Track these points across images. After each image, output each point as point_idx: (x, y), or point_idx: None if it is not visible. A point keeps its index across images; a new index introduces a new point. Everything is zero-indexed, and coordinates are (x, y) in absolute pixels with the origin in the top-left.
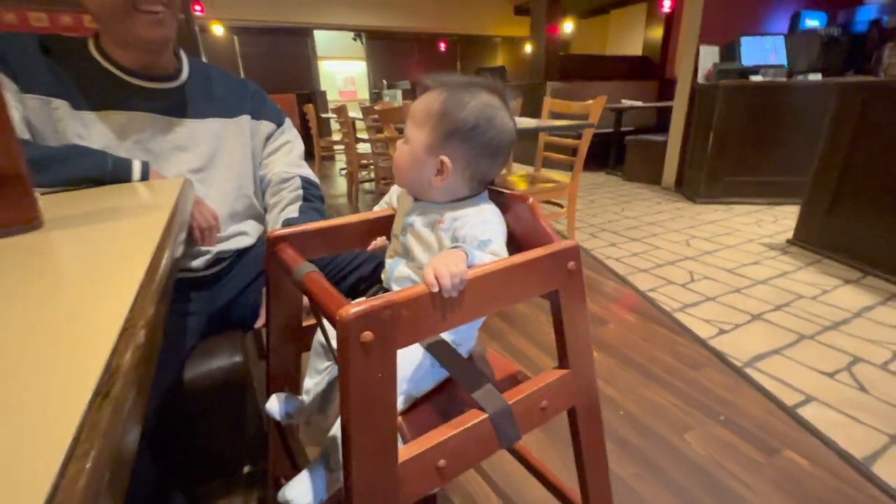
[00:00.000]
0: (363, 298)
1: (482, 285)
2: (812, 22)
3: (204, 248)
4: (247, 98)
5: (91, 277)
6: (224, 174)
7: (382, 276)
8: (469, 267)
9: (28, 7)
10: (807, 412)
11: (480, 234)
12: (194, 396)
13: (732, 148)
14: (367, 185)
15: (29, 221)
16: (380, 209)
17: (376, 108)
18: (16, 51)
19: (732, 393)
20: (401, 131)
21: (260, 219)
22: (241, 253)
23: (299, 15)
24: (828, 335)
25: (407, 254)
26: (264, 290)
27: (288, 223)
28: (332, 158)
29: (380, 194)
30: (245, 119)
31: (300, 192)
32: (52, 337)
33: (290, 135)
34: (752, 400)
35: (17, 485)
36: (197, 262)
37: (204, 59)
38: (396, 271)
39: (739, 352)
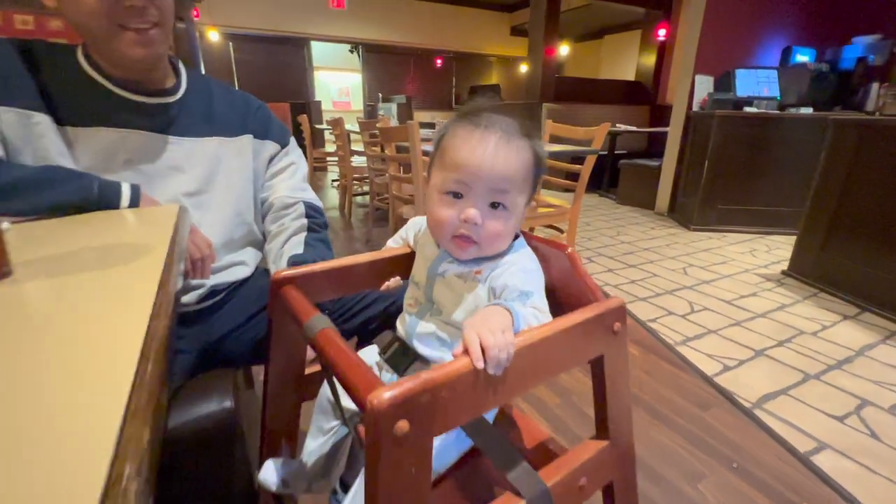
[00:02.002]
0: (375, 347)
1: (530, 356)
2: (802, 57)
3: (196, 282)
4: (250, 115)
5: (75, 347)
6: (222, 198)
7: (400, 326)
8: (515, 333)
9: (14, 9)
10: (821, 461)
11: (521, 284)
12: (176, 448)
13: (726, 176)
14: (359, 199)
15: None
16: (395, 245)
17: (378, 125)
18: None
19: (743, 437)
20: (402, 150)
21: (259, 246)
22: (237, 285)
23: (297, 25)
24: (833, 375)
25: (431, 306)
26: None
27: (295, 262)
28: (324, 169)
29: (375, 210)
30: (247, 139)
31: (304, 220)
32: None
33: (294, 156)
34: (763, 445)
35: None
36: (188, 297)
37: (203, 71)
38: (420, 326)
39: (747, 391)
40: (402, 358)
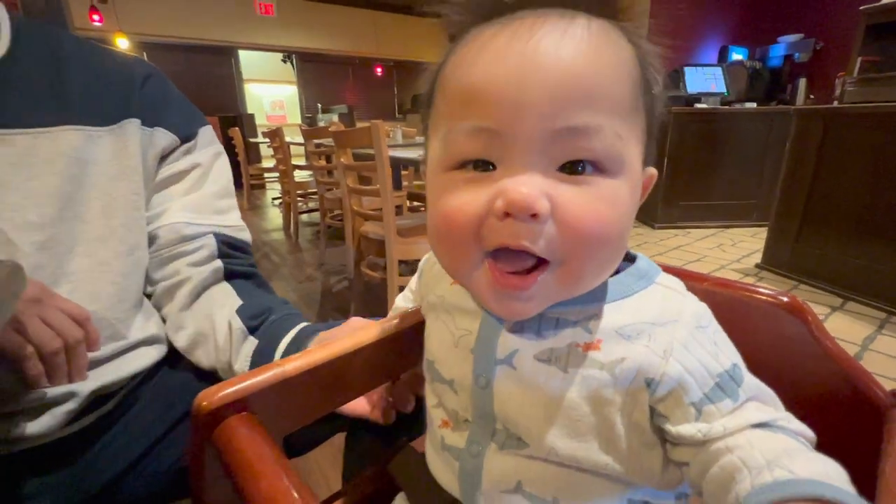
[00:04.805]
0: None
1: None
2: (737, 55)
3: (59, 391)
4: (134, 89)
5: None
6: (97, 230)
7: (437, 465)
8: None
9: None
10: None
11: (713, 357)
12: None
13: (685, 173)
14: (305, 217)
15: None
16: (404, 307)
17: (331, 129)
18: None
19: None
20: (362, 158)
21: None
22: (145, 377)
23: (222, 33)
24: None
25: (492, 426)
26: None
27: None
28: (262, 187)
29: (327, 228)
30: (133, 127)
31: (216, 263)
32: None
33: (202, 155)
34: None
35: None
36: (43, 422)
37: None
38: (488, 468)
39: None
40: None
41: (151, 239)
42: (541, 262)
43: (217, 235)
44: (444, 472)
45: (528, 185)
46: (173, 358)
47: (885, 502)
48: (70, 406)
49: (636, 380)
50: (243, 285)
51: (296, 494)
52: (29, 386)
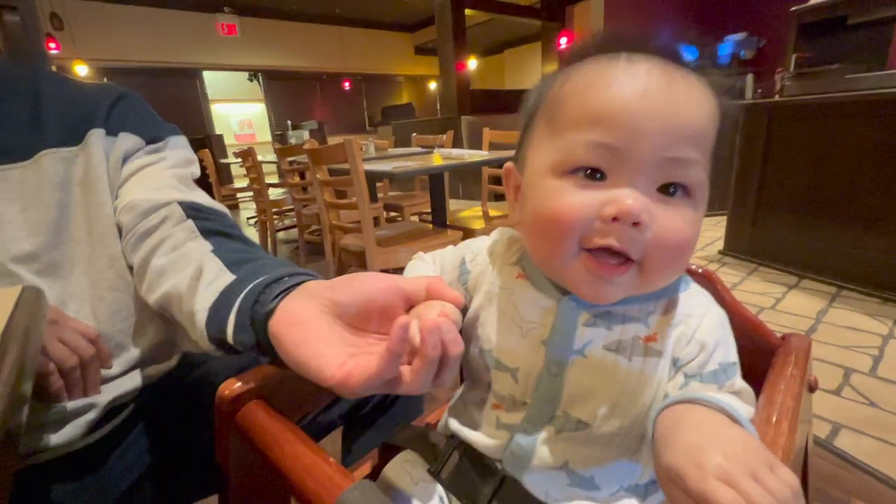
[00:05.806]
0: (411, 458)
1: None
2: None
3: (77, 404)
4: (102, 105)
5: None
6: (87, 249)
7: (483, 441)
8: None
9: None
10: (846, 444)
11: (725, 349)
12: None
13: None
14: (283, 234)
15: None
16: (425, 272)
17: (305, 146)
18: None
19: None
20: (337, 173)
21: None
22: (154, 385)
23: (185, 55)
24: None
25: (553, 410)
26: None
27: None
28: (236, 207)
29: (305, 244)
30: (95, 137)
31: (187, 223)
32: None
33: (171, 154)
34: None
35: None
36: (66, 433)
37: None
38: (540, 447)
39: None
40: (482, 484)
41: (119, 230)
42: (626, 260)
43: (181, 203)
44: (491, 442)
45: (635, 199)
46: (181, 364)
47: (762, 410)
48: (89, 417)
49: (667, 357)
50: (223, 241)
51: (314, 455)
52: (51, 400)
